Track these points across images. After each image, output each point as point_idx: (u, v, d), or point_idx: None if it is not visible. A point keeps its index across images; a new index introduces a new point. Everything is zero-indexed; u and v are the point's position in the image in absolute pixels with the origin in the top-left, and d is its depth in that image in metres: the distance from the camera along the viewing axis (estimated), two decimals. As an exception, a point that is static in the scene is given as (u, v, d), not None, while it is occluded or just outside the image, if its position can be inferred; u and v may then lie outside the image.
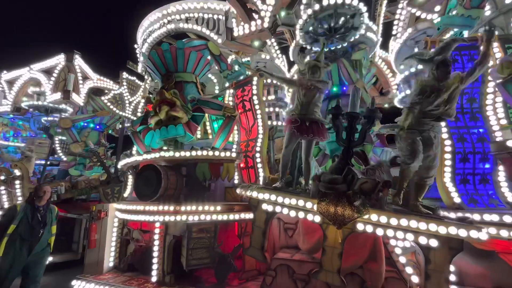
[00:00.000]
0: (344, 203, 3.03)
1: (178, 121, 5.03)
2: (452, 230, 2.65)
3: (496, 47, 3.98)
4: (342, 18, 4.35)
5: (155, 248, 4.67)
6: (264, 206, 3.65)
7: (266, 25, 4.83)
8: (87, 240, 5.78)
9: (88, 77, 9.14)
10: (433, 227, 2.71)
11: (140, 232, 5.41)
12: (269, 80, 5.95)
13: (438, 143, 3.28)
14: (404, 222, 2.83)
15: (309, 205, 3.33)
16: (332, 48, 5.04)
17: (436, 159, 3.30)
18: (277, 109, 6.99)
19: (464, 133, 4.00)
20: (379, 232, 3.03)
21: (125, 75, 9.88)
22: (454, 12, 4.26)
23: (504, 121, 3.89)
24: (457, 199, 3.74)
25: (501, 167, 3.75)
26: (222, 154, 4.92)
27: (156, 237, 4.73)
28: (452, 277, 3.15)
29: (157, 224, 4.70)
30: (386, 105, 7.46)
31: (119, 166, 6.22)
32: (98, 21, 26.76)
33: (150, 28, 6.66)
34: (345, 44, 4.82)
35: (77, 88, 8.44)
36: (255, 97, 5.37)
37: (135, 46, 7.74)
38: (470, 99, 4.08)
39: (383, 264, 3.66)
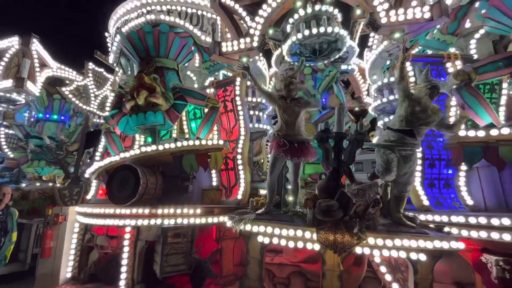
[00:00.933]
0: (342, 230, 2.96)
1: (157, 108, 4.65)
2: (437, 244, 2.94)
3: (459, 65, 4.45)
4: (326, 44, 4.64)
5: (125, 255, 4.30)
6: (260, 239, 3.47)
7: (255, 44, 4.83)
8: (40, 248, 5.08)
9: (47, 65, 8.14)
10: (422, 243, 2.95)
11: (106, 238, 4.92)
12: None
13: (416, 160, 3.42)
14: (398, 242, 2.97)
15: (307, 235, 3.18)
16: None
17: (413, 175, 3.46)
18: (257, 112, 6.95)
19: (431, 141, 4.38)
20: (376, 253, 3.07)
21: (91, 65, 9.03)
22: (429, 36, 4.72)
23: (463, 132, 4.33)
24: (426, 202, 4.07)
25: (461, 173, 4.18)
26: (209, 142, 4.65)
27: (126, 243, 4.35)
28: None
29: (128, 229, 4.33)
30: (356, 108, 8.16)
31: (87, 175, 5.55)
32: (63, 5, 24.08)
33: (125, 17, 6.17)
34: (329, 61, 5.10)
35: (33, 76, 7.44)
36: (237, 98, 5.28)
37: (106, 34, 7.13)
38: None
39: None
